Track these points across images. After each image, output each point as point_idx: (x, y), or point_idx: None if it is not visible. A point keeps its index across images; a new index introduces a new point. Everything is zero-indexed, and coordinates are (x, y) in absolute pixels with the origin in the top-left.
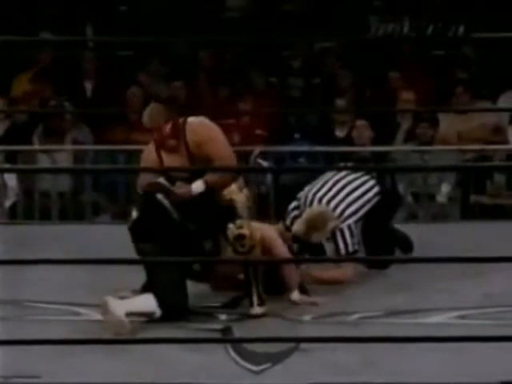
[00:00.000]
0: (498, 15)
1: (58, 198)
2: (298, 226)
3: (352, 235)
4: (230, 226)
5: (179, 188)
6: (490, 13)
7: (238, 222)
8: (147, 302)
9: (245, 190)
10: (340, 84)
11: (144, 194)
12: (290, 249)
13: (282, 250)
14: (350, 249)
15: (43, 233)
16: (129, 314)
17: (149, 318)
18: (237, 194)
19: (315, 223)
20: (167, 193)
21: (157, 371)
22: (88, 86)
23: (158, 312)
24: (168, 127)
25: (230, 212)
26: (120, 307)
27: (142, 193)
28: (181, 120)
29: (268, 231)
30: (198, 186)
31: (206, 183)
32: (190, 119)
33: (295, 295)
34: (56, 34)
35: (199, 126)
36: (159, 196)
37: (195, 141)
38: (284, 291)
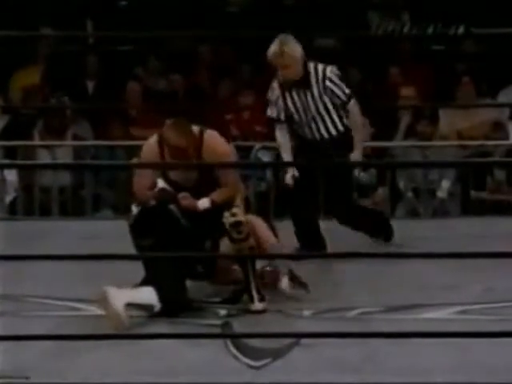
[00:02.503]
0: (498, 14)
1: (58, 193)
2: None
3: None
4: (225, 214)
5: (185, 199)
6: (491, 12)
7: (233, 209)
8: (148, 295)
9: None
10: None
11: (158, 205)
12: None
13: (269, 236)
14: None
15: (43, 228)
16: (128, 306)
17: (148, 311)
18: None
19: None
20: (175, 201)
21: (157, 366)
22: (88, 81)
23: (157, 306)
24: (191, 148)
25: (226, 207)
26: (119, 299)
27: (153, 203)
28: (197, 131)
29: (257, 221)
30: (203, 203)
31: (212, 203)
32: (207, 134)
33: (284, 284)
34: (56, 28)
35: (217, 143)
36: (172, 207)
37: (210, 157)
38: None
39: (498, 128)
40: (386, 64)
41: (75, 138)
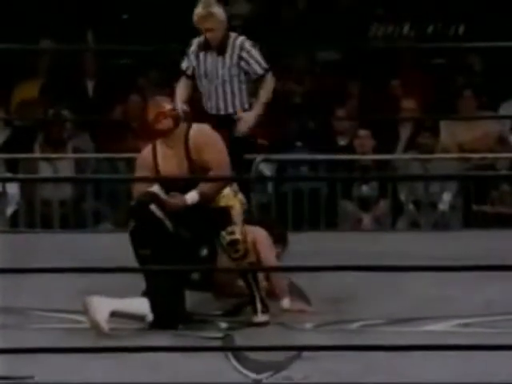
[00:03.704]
0: (497, 16)
1: (59, 206)
2: None
3: None
4: (223, 233)
5: (173, 198)
6: (490, 13)
7: (229, 228)
8: (138, 305)
9: (239, 195)
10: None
11: (137, 204)
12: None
13: (270, 256)
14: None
15: (44, 241)
16: (116, 314)
17: (140, 322)
18: (232, 199)
19: None
20: (161, 203)
21: (156, 378)
22: (89, 89)
23: (149, 316)
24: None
25: (224, 217)
26: (103, 308)
27: (134, 202)
28: (185, 125)
29: (260, 236)
30: (192, 197)
31: (201, 194)
32: (194, 125)
33: (286, 303)
34: (57, 40)
35: (202, 131)
36: (152, 207)
37: (196, 146)
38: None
39: (501, 142)
40: (387, 76)
41: (76, 150)
